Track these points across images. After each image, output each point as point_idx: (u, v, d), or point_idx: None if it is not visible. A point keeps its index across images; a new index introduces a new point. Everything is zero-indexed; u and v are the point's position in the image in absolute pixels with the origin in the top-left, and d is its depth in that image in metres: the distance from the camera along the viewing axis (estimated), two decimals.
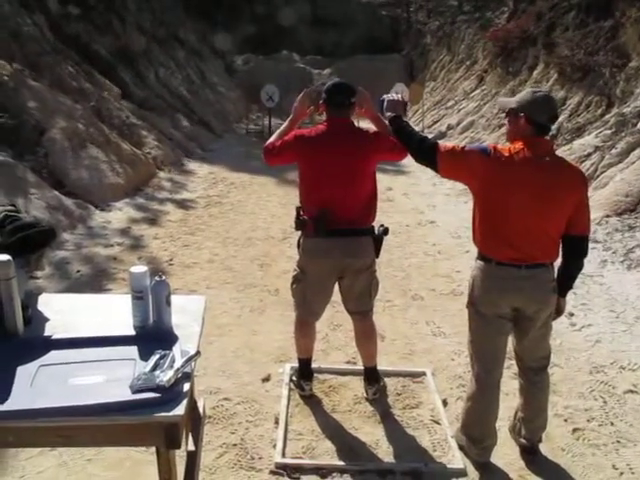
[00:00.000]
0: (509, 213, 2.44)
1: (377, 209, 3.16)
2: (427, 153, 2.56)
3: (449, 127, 14.36)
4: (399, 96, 2.79)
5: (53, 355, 1.84)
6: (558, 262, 2.61)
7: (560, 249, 2.57)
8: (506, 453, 2.86)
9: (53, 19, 11.11)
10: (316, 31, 26.95)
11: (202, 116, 14.70)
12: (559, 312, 2.72)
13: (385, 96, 2.80)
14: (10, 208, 2.24)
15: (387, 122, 2.79)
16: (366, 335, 3.25)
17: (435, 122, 15.89)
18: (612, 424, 3.16)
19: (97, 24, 12.58)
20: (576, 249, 2.56)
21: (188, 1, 20.75)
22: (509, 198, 2.43)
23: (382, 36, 26.08)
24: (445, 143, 2.64)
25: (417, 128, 12.81)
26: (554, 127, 9.65)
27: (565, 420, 3.19)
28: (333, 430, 3.02)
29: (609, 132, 8.22)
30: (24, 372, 1.72)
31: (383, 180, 9.57)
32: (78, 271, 5.32)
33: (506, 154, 2.44)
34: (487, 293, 2.56)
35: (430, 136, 11.55)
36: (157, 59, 15.00)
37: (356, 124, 3.13)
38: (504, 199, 2.44)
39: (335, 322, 4.19)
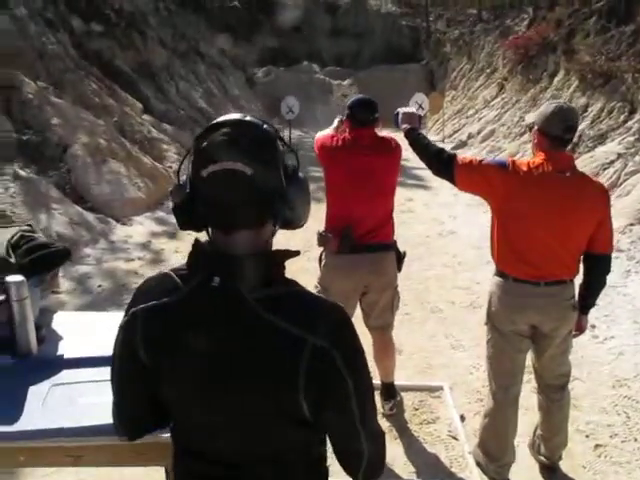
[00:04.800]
0: (527, 229, 2.40)
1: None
2: (444, 165, 2.53)
3: (469, 136, 14.26)
4: (414, 108, 2.79)
5: (65, 374, 1.85)
6: (579, 278, 2.57)
7: (580, 265, 2.52)
8: (525, 471, 2.81)
9: (76, 37, 11.35)
10: (336, 42, 27.07)
11: None
12: (580, 330, 2.66)
13: (400, 109, 2.79)
14: (26, 228, 2.28)
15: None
16: (385, 350, 3.23)
17: (455, 131, 15.80)
18: (636, 440, 3.09)
19: (119, 40, 12.81)
20: (597, 267, 2.51)
21: (209, 15, 21.05)
22: (527, 213, 2.38)
23: (402, 46, 26.08)
24: (463, 156, 2.61)
25: (437, 137, 12.72)
26: (576, 135, 9.52)
27: (587, 436, 3.12)
28: None
29: (632, 139, 8.08)
30: (36, 392, 1.74)
31: (403, 191, 9.56)
32: (99, 286, 5.39)
33: (525, 168, 2.40)
34: (504, 310, 2.52)
35: (450, 145, 11.45)
36: (178, 73, 15.19)
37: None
38: (522, 214, 2.39)
39: None
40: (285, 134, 15.78)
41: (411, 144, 2.64)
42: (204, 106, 15.16)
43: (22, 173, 6.75)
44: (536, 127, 2.40)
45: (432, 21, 25.17)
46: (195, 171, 1.08)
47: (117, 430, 1.27)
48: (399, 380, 3.49)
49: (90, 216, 6.95)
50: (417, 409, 3.35)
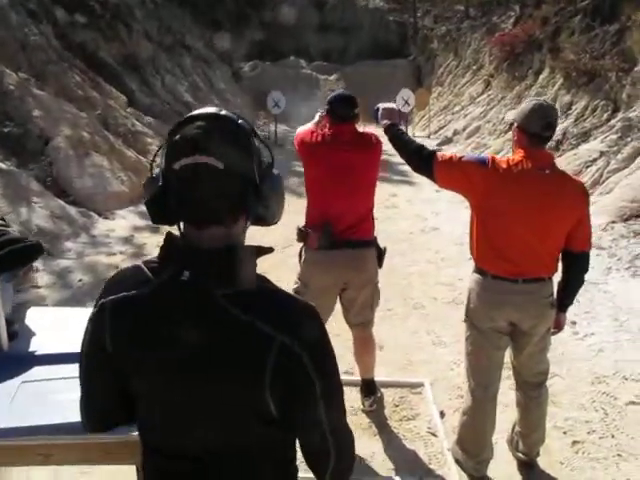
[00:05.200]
0: (506, 226, 2.39)
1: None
2: (424, 162, 2.52)
3: (455, 132, 14.31)
4: (393, 104, 2.77)
5: (36, 371, 1.82)
6: (558, 276, 2.57)
7: (559, 263, 2.53)
8: (504, 467, 2.82)
9: (60, 28, 11.20)
10: (323, 37, 27.01)
11: None
12: (559, 327, 2.67)
13: (380, 104, 2.77)
14: None
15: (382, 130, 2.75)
16: (365, 347, 3.22)
17: (441, 127, 15.85)
18: (613, 437, 3.11)
19: (104, 32, 12.66)
20: (576, 265, 2.51)
21: (195, 8, 20.88)
22: (506, 210, 2.38)
23: (389, 42, 26.08)
24: (443, 152, 2.61)
25: (423, 133, 12.77)
26: (559, 132, 9.59)
27: (564, 433, 3.14)
28: None
29: (615, 137, 8.15)
30: (5, 389, 1.71)
31: (387, 187, 9.58)
32: (80, 280, 5.33)
33: (504, 166, 2.40)
34: (483, 307, 2.52)
35: (436, 142, 11.49)
36: (164, 66, 15.07)
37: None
38: (501, 211, 2.39)
39: (334, 331, 4.13)
40: (271, 128, 15.74)
41: (391, 140, 2.62)
42: (190, 100, 15.04)
43: (2, 166, 6.66)
44: (516, 124, 2.40)
45: (420, 17, 25.19)
46: (167, 164, 1.07)
47: (84, 425, 1.25)
48: (380, 376, 3.49)
49: (72, 210, 6.88)
50: (397, 405, 3.35)
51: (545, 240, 2.40)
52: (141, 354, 1.09)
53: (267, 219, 1.13)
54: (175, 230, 1.12)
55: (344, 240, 2.84)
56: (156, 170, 1.12)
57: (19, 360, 1.87)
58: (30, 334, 2.09)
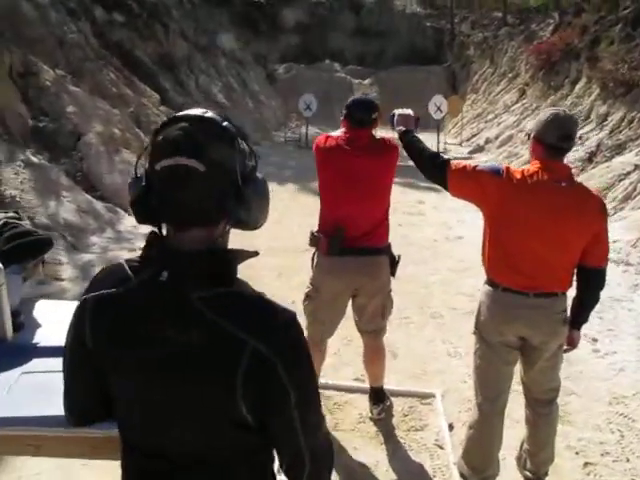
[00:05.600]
0: (519, 237, 2.33)
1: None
2: (437, 170, 2.48)
3: (487, 141, 14.12)
4: (410, 111, 2.73)
5: (37, 362, 1.85)
6: (573, 291, 2.50)
7: (573, 278, 2.46)
8: None
9: (98, 26, 11.43)
10: (359, 41, 26.95)
11: (240, 124, 14.84)
12: (572, 345, 2.59)
13: (396, 110, 2.74)
14: (12, 215, 2.27)
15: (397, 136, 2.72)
16: (375, 355, 3.19)
17: (473, 135, 15.66)
18: (628, 460, 3.01)
19: (140, 31, 12.88)
20: (591, 281, 2.44)
21: (232, 10, 21.09)
22: (520, 222, 2.32)
23: (425, 47, 25.88)
24: (457, 161, 2.56)
25: (455, 141, 12.65)
26: (593, 144, 9.38)
27: (577, 453, 3.05)
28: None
29: None
30: (4, 379, 1.73)
31: (414, 193, 9.52)
32: None
33: (519, 176, 2.34)
34: (492, 320, 2.46)
35: (468, 150, 11.39)
36: (198, 66, 15.25)
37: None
38: (515, 222, 2.34)
39: (348, 337, 4.12)
40: (302, 131, 15.78)
41: (405, 147, 2.59)
42: (222, 100, 15.20)
43: (34, 159, 6.81)
44: (532, 134, 2.34)
45: (457, 23, 24.94)
46: (150, 164, 1.07)
47: (67, 419, 1.27)
48: (391, 384, 3.46)
49: (99, 205, 6.99)
50: (406, 415, 3.30)
51: (559, 254, 2.33)
52: (119, 352, 1.09)
53: (249, 223, 1.12)
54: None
55: (356, 246, 2.81)
56: (141, 170, 1.12)
57: (22, 351, 1.89)
58: (36, 326, 2.11)
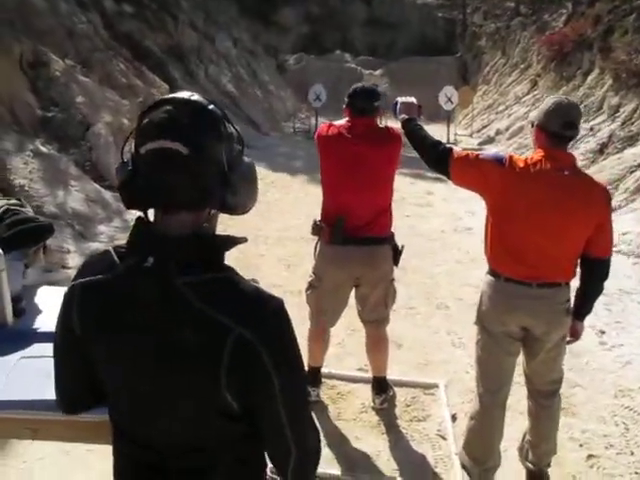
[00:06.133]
0: (521, 227, 2.31)
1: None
2: (440, 158, 2.46)
3: (498, 132, 14.01)
4: (413, 99, 2.70)
5: (37, 347, 1.86)
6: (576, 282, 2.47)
7: (577, 269, 2.43)
8: (512, 476, 2.74)
9: (107, 17, 11.43)
10: (370, 32, 26.79)
11: (249, 114, 14.83)
12: (575, 336, 2.57)
13: (399, 98, 2.72)
14: (14, 202, 2.28)
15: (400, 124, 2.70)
16: (377, 345, 3.18)
17: (484, 127, 15.53)
18: (632, 453, 2.99)
19: (150, 22, 12.88)
20: (595, 271, 2.40)
21: (243, 1, 21.02)
22: (522, 211, 2.30)
23: (436, 38, 25.70)
24: (460, 150, 2.53)
25: (466, 132, 12.53)
26: (605, 135, 9.28)
27: (580, 445, 3.03)
28: (335, 438, 2.97)
29: None
30: (4, 363, 1.74)
31: (423, 184, 9.46)
32: None
33: (522, 165, 2.32)
34: (494, 310, 2.45)
35: (478, 141, 11.28)
36: (208, 57, 15.23)
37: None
38: (517, 212, 2.31)
39: (352, 327, 4.10)
40: (312, 121, 15.72)
41: (407, 134, 2.57)
42: (232, 90, 15.18)
43: (43, 149, 6.84)
44: (535, 123, 2.31)
45: (469, 14, 24.70)
46: (136, 148, 1.06)
47: (58, 405, 1.27)
48: (395, 374, 3.45)
49: (107, 194, 7.02)
50: (409, 405, 3.30)
51: (562, 243, 2.30)
52: (106, 339, 1.09)
53: (236, 207, 1.11)
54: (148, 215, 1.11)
55: (358, 236, 2.80)
56: (128, 154, 1.11)
57: (22, 336, 1.90)
58: (38, 312, 2.12)
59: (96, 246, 5.75)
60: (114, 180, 7.58)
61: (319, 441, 1.16)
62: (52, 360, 1.79)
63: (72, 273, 5.08)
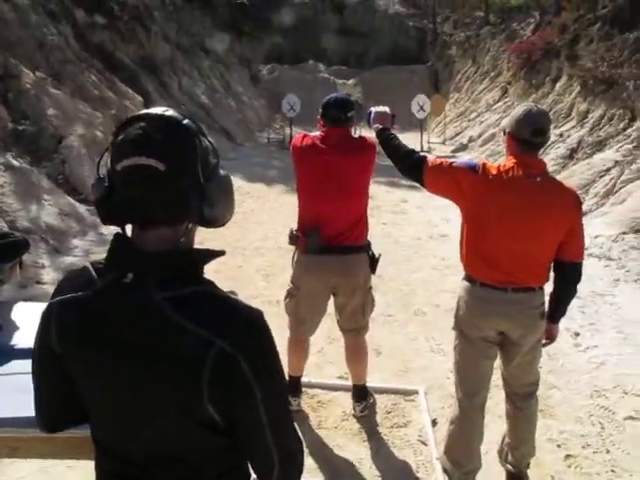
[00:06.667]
0: (495, 233, 2.36)
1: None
2: (414, 166, 2.49)
3: (470, 139, 14.22)
4: (386, 108, 2.74)
5: (14, 364, 1.83)
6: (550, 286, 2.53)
7: (550, 273, 2.48)
8: (493, 478, 2.77)
9: (79, 28, 11.34)
10: (342, 41, 26.96)
11: (224, 125, 14.82)
12: (550, 338, 2.62)
13: (372, 108, 2.75)
14: None
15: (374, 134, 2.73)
16: (356, 353, 3.20)
17: (457, 134, 15.75)
18: (608, 452, 3.05)
19: (122, 33, 12.80)
20: (567, 275, 2.46)
21: (215, 11, 21.01)
22: (496, 218, 2.34)
23: (408, 47, 25.96)
24: (434, 158, 2.58)
25: (439, 140, 12.69)
26: (574, 140, 9.48)
27: (558, 446, 3.08)
28: (316, 447, 2.97)
29: (630, 147, 8.04)
30: None
31: (398, 192, 9.55)
32: None
33: (494, 172, 2.36)
34: (471, 315, 2.49)
35: (451, 148, 11.46)
36: (181, 68, 15.19)
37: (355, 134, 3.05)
38: (491, 219, 2.36)
39: (332, 336, 4.12)
40: (286, 132, 15.77)
41: (382, 144, 2.61)
42: (206, 102, 15.15)
43: (15, 163, 6.74)
44: (507, 130, 2.37)
45: (439, 23, 25.07)
46: (112, 165, 1.06)
47: (37, 423, 1.26)
48: (375, 381, 3.48)
49: (81, 208, 6.94)
50: (389, 412, 3.32)
51: (535, 249, 2.35)
52: (86, 356, 1.09)
53: (213, 220, 1.12)
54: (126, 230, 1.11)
55: (334, 245, 2.82)
56: (103, 170, 1.11)
57: None
58: (15, 328, 2.10)
59: (71, 260, 5.68)
60: (88, 193, 7.49)
61: (302, 450, 1.17)
62: (30, 377, 1.78)
63: (47, 288, 5.03)
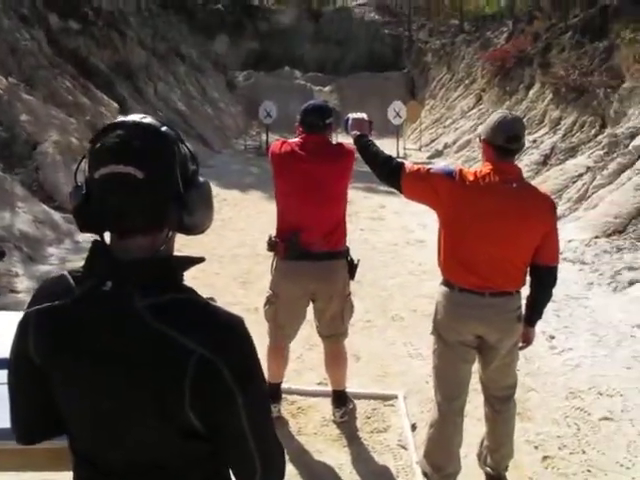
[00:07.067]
0: (473, 238, 2.39)
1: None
2: (392, 173, 2.52)
3: (446, 146, 14.37)
4: (364, 115, 2.77)
5: None
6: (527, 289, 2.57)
7: (527, 277, 2.53)
8: None
9: (52, 33, 11.22)
10: (318, 48, 27.10)
11: (200, 132, 14.75)
12: (527, 342, 2.66)
13: (350, 115, 2.77)
14: None
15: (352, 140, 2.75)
16: (335, 359, 3.20)
17: (432, 140, 15.91)
18: (584, 452, 3.10)
19: (97, 39, 12.69)
20: (543, 279, 2.50)
21: (191, 17, 20.97)
22: (472, 223, 2.38)
23: (384, 54, 26.18)
24: (411, 164, 2.60)
25: (414, 146, 12.74)
26: (547, 147, 9.65)
27: (536, 447, 3.13)
28: (296, 453, 2.96)
29: (601, 153, 8.21)
30: None
31: (375, 198, 9.60)
32: None
33: (471, 178, 2.40)
34: (449, 320, 2.51)
35: (427, 154, 11.54)
36: (157, 74, 15.10)
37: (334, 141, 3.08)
38: (467, 224, 2.39)
39: (311, 342, 4.13)
40: (263, 138, 15.76)
41: (359, 150, 2.63)
42: (182, 108, 15.08)
43: None
44: (482, 137, 2.41)
45: (414, 30, 25.35)
46: (90, 173, 1.05)
47: (13, 434, 1.23)
48: (354, 387, 3.48)
49: (56, 215, 6.85)
50: (369, 417, 3.33)
51: (512, 254, 2.39)
52: (65, 366, 1.07)
53: (193, 228, 1.11)
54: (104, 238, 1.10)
55: (312, 251, 2.83)
56: (81, 178, 1.10)
57: None
58: None
59: (46, 269, 5.59)
60: (63, 201, 7.39)
61: (284, 455, 1.17)
62: (4, 387, 1.75)
63: (21, 297, 4.95)
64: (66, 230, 6.72)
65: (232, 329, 1.06)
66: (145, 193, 1.02)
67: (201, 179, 1.13)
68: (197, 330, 1.02)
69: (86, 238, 6.75)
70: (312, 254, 2.83)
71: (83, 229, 1.10)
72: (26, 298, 4.95)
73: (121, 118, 1.09)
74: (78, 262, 5.79)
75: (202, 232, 1.15)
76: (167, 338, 1.00)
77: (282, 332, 3.10)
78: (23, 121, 7.98)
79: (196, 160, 1.14)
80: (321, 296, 2.97)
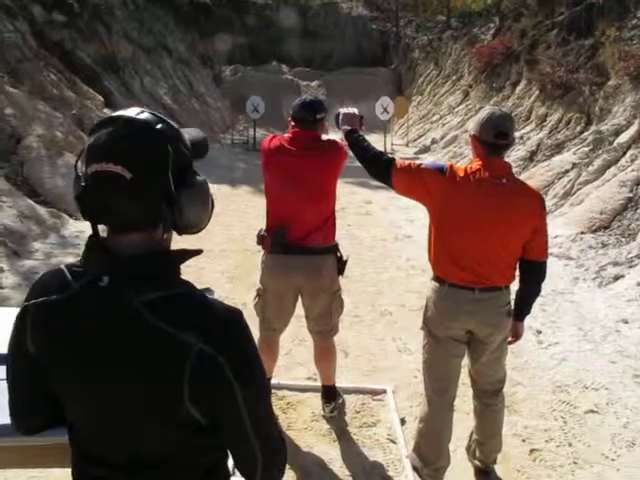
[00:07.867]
0: (462, 234, 2.40)
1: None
2: (383, 168, 2.52)
3: (433, 141, 14.42)
4: (355, 110, 2.76)
5: None
6: (516, 284, 2.59)
7: (516, 272, 2.55)
8: (461, 474, 2.82)
9: (37, 25, 11.06)
10: (306, 43, 27.02)
11: (187, 126, 14.59)
12: (516, 336, 2.68)
13: (341, 110, 2.77)
14: None
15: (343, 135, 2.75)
16: (324, 355, 3.20)
17: (420, 136, 15.95)
18: (570, 445, 3.14)
19: (82, 31, 12.54)
20: (533, 274, 2.53)
21: (178, 11, 20.78)
22: (462, 219, 2.39)
23: (371, 50, 26.17)
24: (402, 160, 2.61)
25: (402, 142, 12.75)
26: (534, 143, 9.72)
27: (523, 440, 3.16)
28: (287, 448, 2.96)
29: (587, 149, 8.28)
30: None
31: (362, 193, 9.61)
32: None
33: (462, 174, 2.41)
34: (440, 315, 2.52)
35: (414, 150, 11.55)
36: (143, 68, 14.97)
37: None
38: (458, 220, 2.40)
39: (300, 337, 4.14)
40: (250, 133, 15.71)
41: (350, 145, 2.63)
42: (169, 102, 14.97)
43: None
44: (472, 133, 2.42)
45: (402, 26, 25.33)
46: (85, 167, 1.05)
47: (13, 425, 1.23)
48: (343, 382, 3.49)
49: (41, 210, 6.77)
50: (358, 412, 3.34)
51: (501, 249, 2.41)
52: (63, 360, 1.07)
53: (188, 226, 1.11)
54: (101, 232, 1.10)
55: (300, 246, 2.83)
56: (81, 168, 1.09)
57: None
58: None
59: (31, 264, 5.53)
60: (48, 195, 7.32)
61: (284, 447, 1.18)
62: (2, 382, 1.73)
63: (7, 293, 4.89)
64: (51, 224, 6.65)
65: (231, 323, 1.07)
66: (133, 193, 1.01)
67: (199, 178, 1.11)
68: (196, 324, 1.02)
69: (71, 233, 6.69)
70: (298, 248, 2.82)
71: (84, 217, 1.10)
72: (11, 294, 4.90)
73: (118, 112, 1.08)
74: (64, 257, 5.76)
75: (198, 231, 1.14)
76: (166, 333, 1.00)
77: (271, 326, 3.10)
78: (8, 115, 7.87)
79: (191, 158, 1.11)
80: (307, 291, 2.96)
